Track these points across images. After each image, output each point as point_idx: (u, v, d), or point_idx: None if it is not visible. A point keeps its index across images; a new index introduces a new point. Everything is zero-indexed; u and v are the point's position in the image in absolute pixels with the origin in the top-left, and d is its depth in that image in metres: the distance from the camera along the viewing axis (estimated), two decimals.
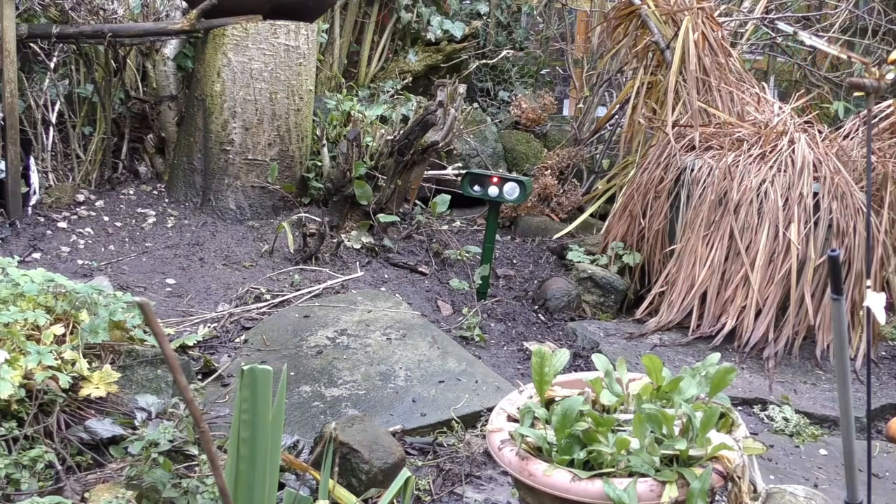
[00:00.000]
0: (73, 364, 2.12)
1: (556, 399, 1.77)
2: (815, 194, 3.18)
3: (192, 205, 3.81)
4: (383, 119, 4.42)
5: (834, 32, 4.70)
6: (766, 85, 4.00)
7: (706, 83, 3.81)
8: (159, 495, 1.77)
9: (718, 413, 1.67)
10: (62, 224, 3.54)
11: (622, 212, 3.76)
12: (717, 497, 1.62)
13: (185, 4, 4.05)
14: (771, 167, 3.24)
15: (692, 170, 3.43)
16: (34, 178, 3.63)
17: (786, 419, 2.75)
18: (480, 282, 3.49)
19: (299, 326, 2.88)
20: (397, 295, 3.25)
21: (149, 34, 3.93)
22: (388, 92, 5.08)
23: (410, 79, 5.35)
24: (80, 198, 3.73)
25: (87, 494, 1.92)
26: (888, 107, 3.48)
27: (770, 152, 3.32)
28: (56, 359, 2.09)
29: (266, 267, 3.38)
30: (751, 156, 3.32)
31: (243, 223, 3.74)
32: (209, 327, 2.85)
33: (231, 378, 2.59)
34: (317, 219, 3.57)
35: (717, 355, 1.82)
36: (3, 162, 3.45)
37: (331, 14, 5.12)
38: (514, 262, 3.93)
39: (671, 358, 3.04)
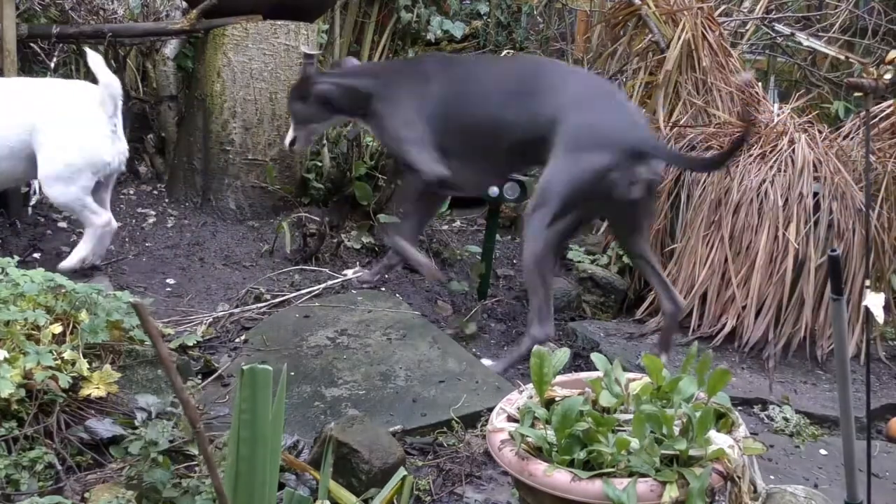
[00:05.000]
0: (73, 364, 2.13)
1: (556, 399, 1.77)
2: (815, 194, 3.18)
3: (192, 205, 3.81)
4: None
5: (834, 32, 4.69)
6: (760, 84, 3.99)
7: (706, 83, 3.81)
8: (159, 495, 1.77)
9: (716, 413, 1.67)
10: (62, 224, 3.55)
11: None
12: (717, 497, 1.62)
13: (185, 4, 4.05)
14: (771, 167, 3.24)
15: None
16: None
17: (786, 419, 2.75)
18: (480, 281, 3.49)
19: (299, 326, 2.89)
20: (397, 295, 3.25)
21: (149, 34, 3.93)
22: None
23: None
24: None
25: (87, 494, 1.92)
26: (888, 107, 3.48)
27: (770, 152, 3.31)
28: (56, 359, 2.09)
29: (266, 267, 3.38)
30: (751, 156, 3.32)
31: (243, 223, 3.74)
32: (209, 327, 2.85)
33: (231, 378, 2.59)
34: (317, 219, 3.57)
35: (695, 345, 1.85)
36: None
37: (331, 14, 5.11)
38: (514, 262, 3.92)
39: (671, 358, 3.04)
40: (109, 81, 2.97)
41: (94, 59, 2.98)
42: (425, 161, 3.06)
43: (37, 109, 2.95)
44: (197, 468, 1.94)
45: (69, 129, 2.96)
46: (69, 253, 3.24)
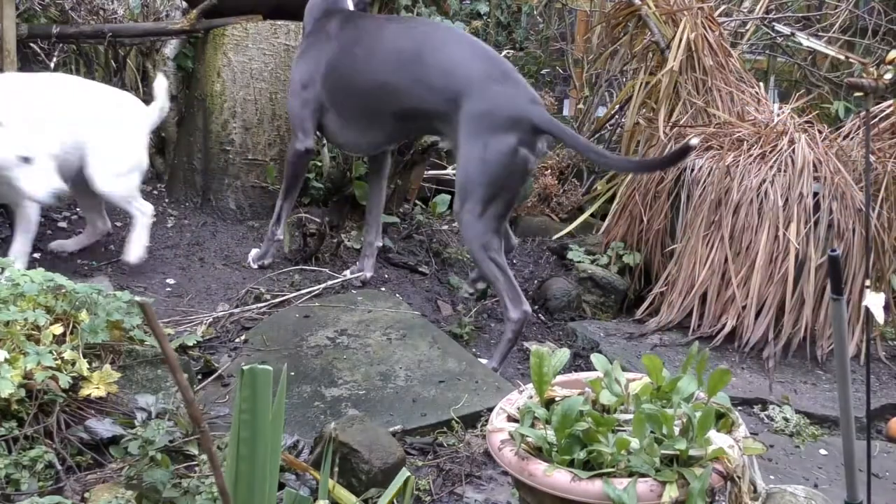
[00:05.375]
0: (73, 364, 2.12)
1: (556, 399, 1.77)
2: (816, 194, 3.18)
3: (192, 205, 3.81)
4: None
5: (834, 32, 4.69)
6: (762, 85, 4.00)
7: (706, 83, 3.81)
8: (159, 495, 1.77)
9: (716, 413, 1.67)
10: (62, 224, 3.54)
11: (622, 212, 3.76)
12: (717, 497, 1.63)
13: (185, 4, 4.05)
14: (771, 167, 3.24)
15: (692, 170, 3.43)
16: None
17: (786, 419, 2.75)
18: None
19: (299, 326, 2.89)
20: (397, 295, 3.25)
21: (149, 34, 3.93)
22: None
23: None
24: None
25: (87, 494, 1.92)
26: (888, 107, 3.48)
27: (770, 152, 3.32)
28: (56, 359, 2.09)
29: (266, 267, 3.38)
30: (751, 156, 3.32)
31: (243, 223, 3.74)
32: (209, 327, 2.85)
33: (231, 378, 2.59)
34: (316, 219, 3.57)
35: (696, 345, 1.84)
36: None
37: None
38: (515, 262, 3.92)
39: (671, 358, 3.04)
40: (164, 105, 3.30)
41: (161, 84, 3.29)
42: (298, 127, 3.18)
43: (100, 112, 3.14)
44: (197, 468, 1.94)
45: (131, 134, 3.21)
46: (69, 252, 3.25)
